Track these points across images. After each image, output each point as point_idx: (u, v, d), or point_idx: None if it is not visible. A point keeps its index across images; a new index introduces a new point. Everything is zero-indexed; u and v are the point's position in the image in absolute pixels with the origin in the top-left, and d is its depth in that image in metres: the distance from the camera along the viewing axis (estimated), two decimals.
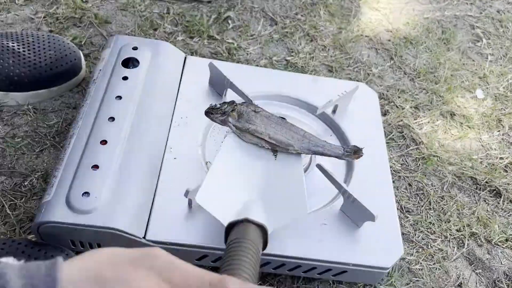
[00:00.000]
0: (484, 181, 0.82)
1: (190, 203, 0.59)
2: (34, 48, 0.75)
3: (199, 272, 0.34)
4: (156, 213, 0.59)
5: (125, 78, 0.69)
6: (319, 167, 0.64)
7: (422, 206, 0.76)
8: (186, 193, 0.57)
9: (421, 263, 0.69)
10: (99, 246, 0.58)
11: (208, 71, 0.74)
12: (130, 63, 0.73)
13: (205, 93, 0.75)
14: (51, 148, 0.72)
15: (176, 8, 0.99)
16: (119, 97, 0.67)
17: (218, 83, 0.74)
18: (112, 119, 0.64)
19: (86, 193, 0.56)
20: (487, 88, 1.01)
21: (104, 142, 0.62)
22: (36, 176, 0.69)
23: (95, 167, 0.59)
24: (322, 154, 0.63)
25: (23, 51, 0.74)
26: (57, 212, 0.55)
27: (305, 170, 0.66)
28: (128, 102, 0.66)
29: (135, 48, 0.74)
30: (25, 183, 0.68)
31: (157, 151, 0.65)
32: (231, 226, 0.52)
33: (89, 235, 0.56)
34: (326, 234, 0.61)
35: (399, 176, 0.80)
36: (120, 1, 0.98)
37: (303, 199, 0.57)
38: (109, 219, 0.55)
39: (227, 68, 0.74)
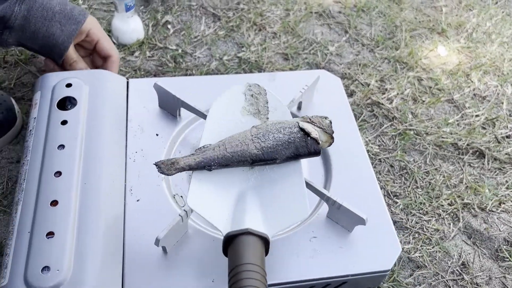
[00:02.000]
0: (465, 144, 0.79)
1: (164, 249, 0.54)
2: None
3: None
4: (129, 269, 0.53)
5: (64, 122, 0.62)
6: None
7: (409, 186, 0.72)
8: (157, 242, 0.51)
9: (420, 250, 0.65)
10: None
11: (155, 91, 0.67)
12: (66, 103, 0.65)
13: (157, 118, 0.68)
14: (0, 214, 0.65)
15: (105, 24, 0.90)
16: (62, 146, 0.59)
17: (169, 104, 0.68)
18: (58, 173, 0.57)
19: (46, 268, 0.50)
20: (448, 43, 0.97)
21: (54, 203, 0.55)
22: None
23: (50, 234, 0.52)
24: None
25: None
26: None
27: None
28: (72, 150, 0.59)
29: (69, 85, 0.66)
30: None
31: (116, 197, 0.58)
32: (231, 239, 0.47)
33: None
34: (317, 249, 0.56)
35: (379, 159, 0.75)
36: None
37: (304, 199, 0.52)
38: None
39: (174, 85, 0.67)
